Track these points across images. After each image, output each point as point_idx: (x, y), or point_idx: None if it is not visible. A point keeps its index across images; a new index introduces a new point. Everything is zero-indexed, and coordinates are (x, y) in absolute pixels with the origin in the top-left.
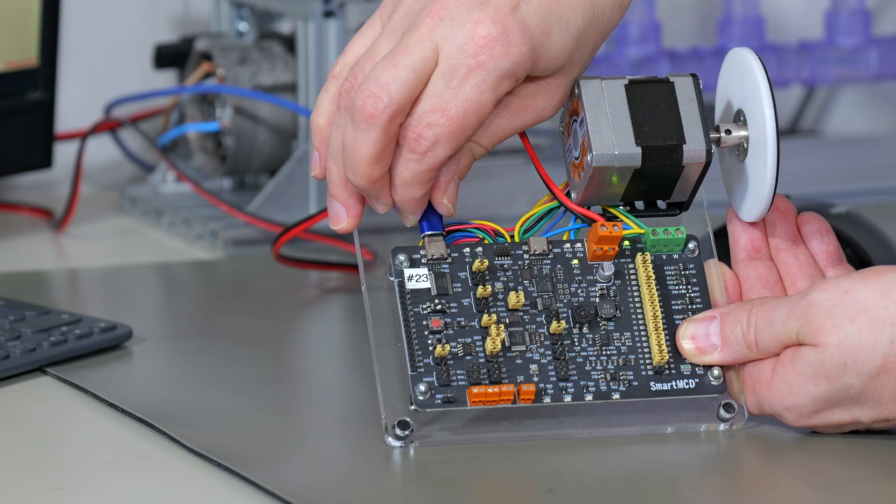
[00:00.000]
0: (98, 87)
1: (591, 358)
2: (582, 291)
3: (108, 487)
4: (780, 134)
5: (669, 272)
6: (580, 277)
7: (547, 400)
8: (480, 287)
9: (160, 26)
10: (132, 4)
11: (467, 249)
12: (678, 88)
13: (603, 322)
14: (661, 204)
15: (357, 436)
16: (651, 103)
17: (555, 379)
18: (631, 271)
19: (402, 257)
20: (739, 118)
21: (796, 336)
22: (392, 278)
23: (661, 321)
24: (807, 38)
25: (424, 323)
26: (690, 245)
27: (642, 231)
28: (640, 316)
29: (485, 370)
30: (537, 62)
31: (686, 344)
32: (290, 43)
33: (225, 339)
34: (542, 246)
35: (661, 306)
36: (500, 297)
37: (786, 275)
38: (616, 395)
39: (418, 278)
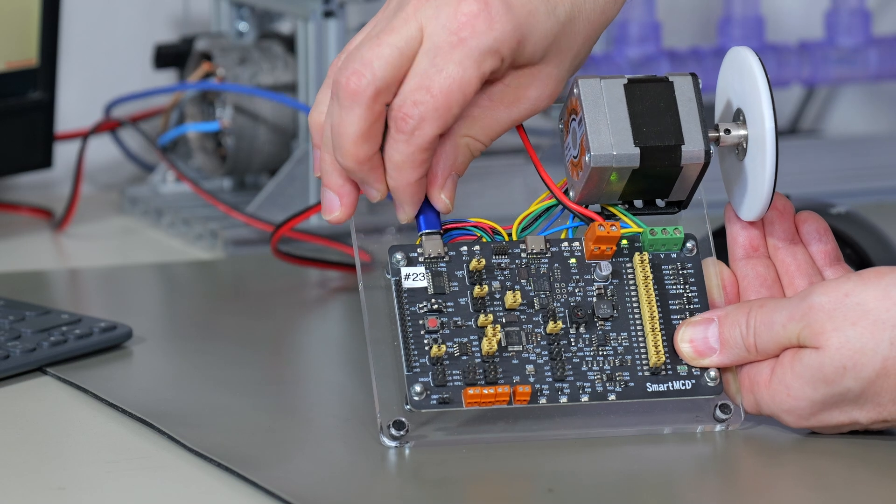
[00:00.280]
0: (98, 87)
1: (587, 358)
2: (579, 291)
3: (108, 487)
4: (780, 133)
5: (667, 272)
6: (578, 277)
7: (543, 401)
8: (477, 286)
9: (160, 26)
10: (132, 4)
11: (465, 248)
12: (677, 88)
13: (600, 322)
14: (659, 203)
15: (356, 436)
16: (650, 103)
17: (551, 380)
18: (629, 271)
19: (399, 256)
20: (739, 117)
21: (797, 339)
22: (389, 277)
23: (657, 322)
24: (807, 38)
25: (421, 322)
26: (688, 244)
27: (640, 230)
28: (637, 316)
29: (481, 371)
30: (522, 43)
31: (684, 347)
32: (290, 43)
33: (225, 339)
34: (539, 245)
35: (658, 306)
36: (497, 296)
37: (783, 274)
38: (612, 396)
39: (415, 277)
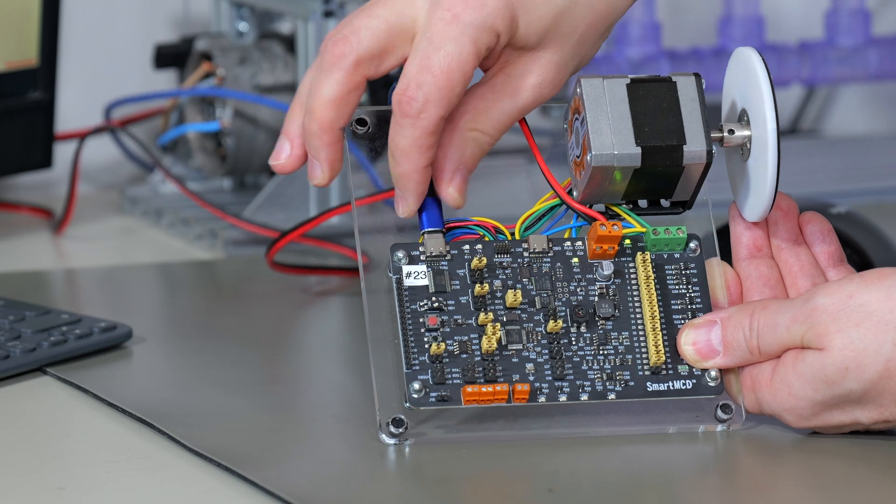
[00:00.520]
0: (98, 87)
1: (587, 357)
2: (581, 290)
3: (108, 487)
4: (781, 134)
5: (670, 272)
6: (580, 276)
7: (542, 399)
8: (478, 285)
9: (160, 26)
10: (132, 4)
11: (466, 247)
12: (680, 88)
13: (601, 321)
14: (664, 203)
15: (356, 436)
16: (652, 103)
17: (550, 378)
18: (631, 271)
19: (400, 254)
20: (743, 118)
21: (801, 341)
22: (390, 275)
23: (658, 321)
24: (807, 38)
25: (421, 320)
26: (692, 244)
27: (643, 230)
28: (638, 316)
29: (480, 369)
30: (517, 20)
31: (687, 350)
32: (290, 43)
33: (225, 339)
34: (542, 244)
35: (660, 306)
36: (499, 295)
37: (787, 274)
38: (612, 395)
39: (416, 275)
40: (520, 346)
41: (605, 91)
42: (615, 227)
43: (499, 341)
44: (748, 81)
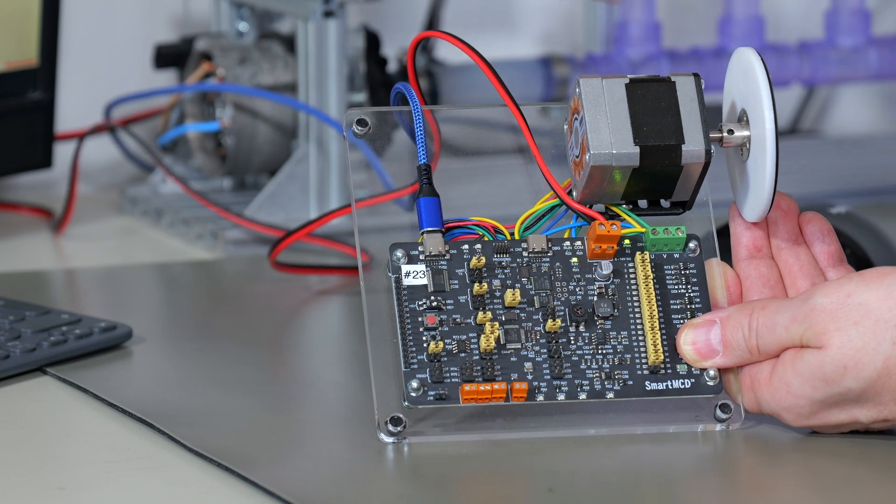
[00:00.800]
0: (98, 87)
1: (586, 357)
2: (580, 290)
3: (108, 487)
4: (781, 134)
5: (669, 272)
6: (579, 276)
7: (540, 398)
8: (477, 284)
9: (160, 26)
10: (132, 4)
11: (466, 246)
12: (679, 88)
13: (600, 321)
14: (664, 203)
15: (356, 435)
16: (651, 102)
17: (549, 377)
18: (630, 271)
19: (399, 253)
20: (743, 118)
21: (800, 340)
22: (390, 274)
23: (657, 321)
24: (807, 38)
25: (420, 319)
26: (691, 244)
27: (643, 230)
28: (637, 315)
29: (478, 367)
30: None
31: (686, 349)
32: (290, 43)
33: (225, 339)
34: (541, 244)
35: (659, 306)
36: (498, 294)
37: (786, 274)
38: (610, 395)
39: (415, 275)
40: (518, 346)
41: (604, 91)
42: (614, 226)
43: (497, 340)
44: (748, 82)
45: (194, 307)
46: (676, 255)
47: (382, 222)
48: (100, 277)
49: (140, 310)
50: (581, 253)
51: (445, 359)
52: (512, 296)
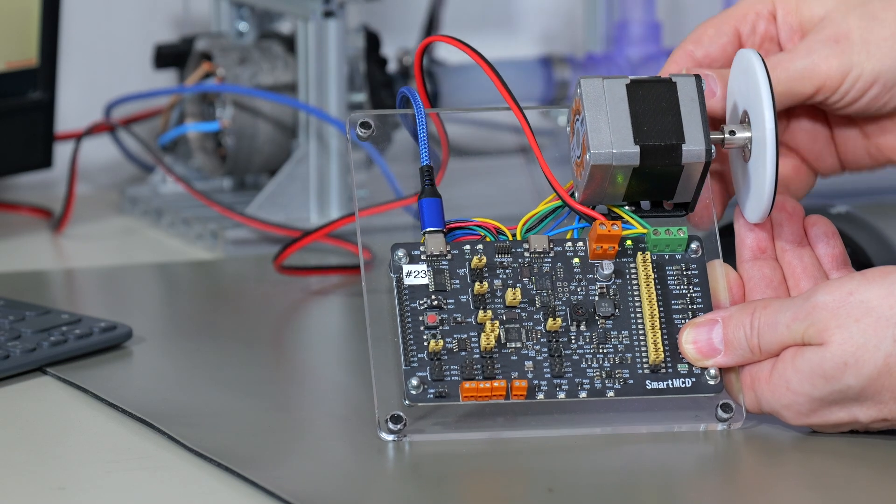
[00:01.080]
0: (98, 87)
1: (587, 356)
2: (581, 290)
3: (108, 487)
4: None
5: (671, 272)
6: (580, 276)
7: (540, 396)
8: (478, 284)
9: (160, 26)
10: (132, 4)
11: (467, 246)
12: (680, 88)
13: (601, 320)
14: (666, 205)
15: (356, 435)
16: (652, 103)
17: (549, 376)
18: (632, 271)
19: (401, 253)
20: (745, 119)
21: (801, 338)
22: (391, 274)
23: (658, 320)
24: None
25: (420, 318)
26: (693, 245)
27: (644, 231)
28: (639, 315)
29: (478, 366)
30: None
31: (688, 348)
32: (290, 43)
33: (225, 339)
34: (542, 244)
35: (660, 306)
36: (499, 293)
37: (790, 276)
38: (611, 393)
39: (417, 274)
40: (519, 344)
41: (605, 91)
42: (615, 226)
43: (498, 339)
44: (749, 83)
45: (194, 307)
46: (678, 256)
47: (385, 222)
48: (100, 277)
49: (140, 310)
50: (583, 253)
51: (446, 357)
52: (513, 295)
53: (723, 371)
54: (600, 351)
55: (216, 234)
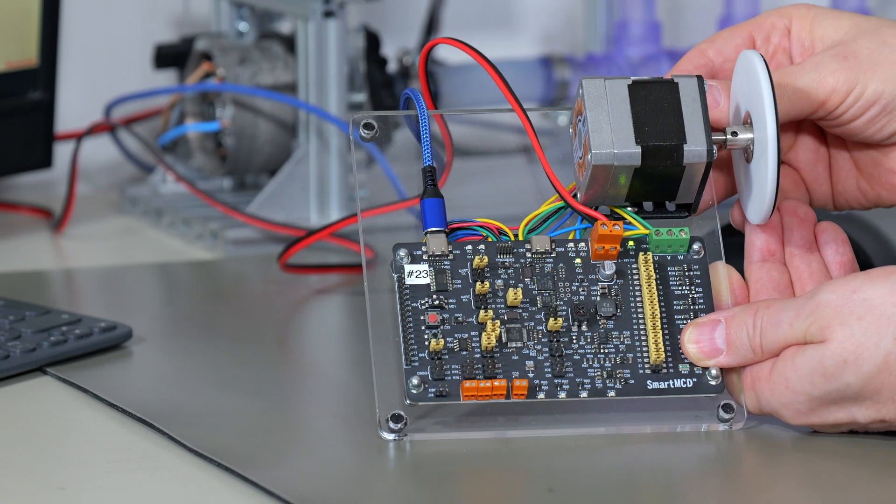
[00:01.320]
0: (98, 87)
1: (588, 356)
2: (583, 290)
3: (108, 487)
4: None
5: (673, 273)
6: (582, 276)
7: (541, 396)
8: (479, 283)
9: (160, 26)
10: (132, 4)
11: (469, 246)
12: (682, 89)
13: (602, 321)
14: (669, 206)
15: (357, 435)
16: (654, 103)
17: (550, 375)
18: (634, 271)
19: (402, 253)
20: (747, 121)
21: (804, 336)
22: (393, 274)
23: (659, 320)
24: None
25: (422, 318)
26: (695, 246)
27: (647, 231)
28: (640, 315)
29: (479, 365)
30: None
31: (690, 348)
32: (290, 43)
33: (225, 339)
34: (544, 245)
35: (661, 306)
36: (500, 293)
37: (796, 280)
38: (612, 393)
39: (418, 274)
40: (520, 344)
41: (607, 91)
42: (616, 226)
43: (499, 338)
44: (751, 84)
45: (194, 307)
46: (680, 257)
47: (387, 221)
48: (100, 277)
49: (140, 310)
50: (585, 254)
51: (446, 356)
52: (514, 295)
53: (724, 371)
54: (601, 351)
55: (216, 234)
